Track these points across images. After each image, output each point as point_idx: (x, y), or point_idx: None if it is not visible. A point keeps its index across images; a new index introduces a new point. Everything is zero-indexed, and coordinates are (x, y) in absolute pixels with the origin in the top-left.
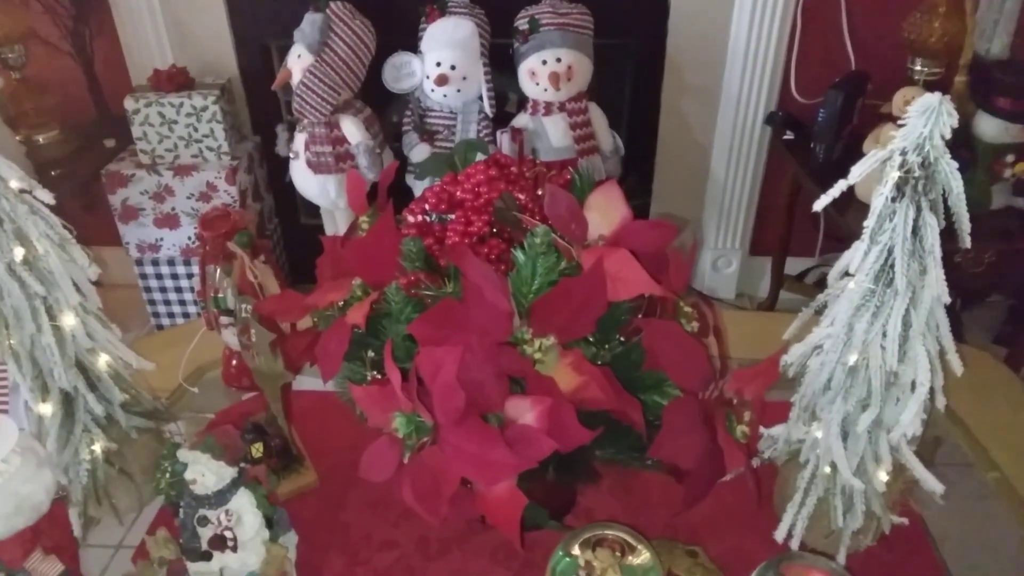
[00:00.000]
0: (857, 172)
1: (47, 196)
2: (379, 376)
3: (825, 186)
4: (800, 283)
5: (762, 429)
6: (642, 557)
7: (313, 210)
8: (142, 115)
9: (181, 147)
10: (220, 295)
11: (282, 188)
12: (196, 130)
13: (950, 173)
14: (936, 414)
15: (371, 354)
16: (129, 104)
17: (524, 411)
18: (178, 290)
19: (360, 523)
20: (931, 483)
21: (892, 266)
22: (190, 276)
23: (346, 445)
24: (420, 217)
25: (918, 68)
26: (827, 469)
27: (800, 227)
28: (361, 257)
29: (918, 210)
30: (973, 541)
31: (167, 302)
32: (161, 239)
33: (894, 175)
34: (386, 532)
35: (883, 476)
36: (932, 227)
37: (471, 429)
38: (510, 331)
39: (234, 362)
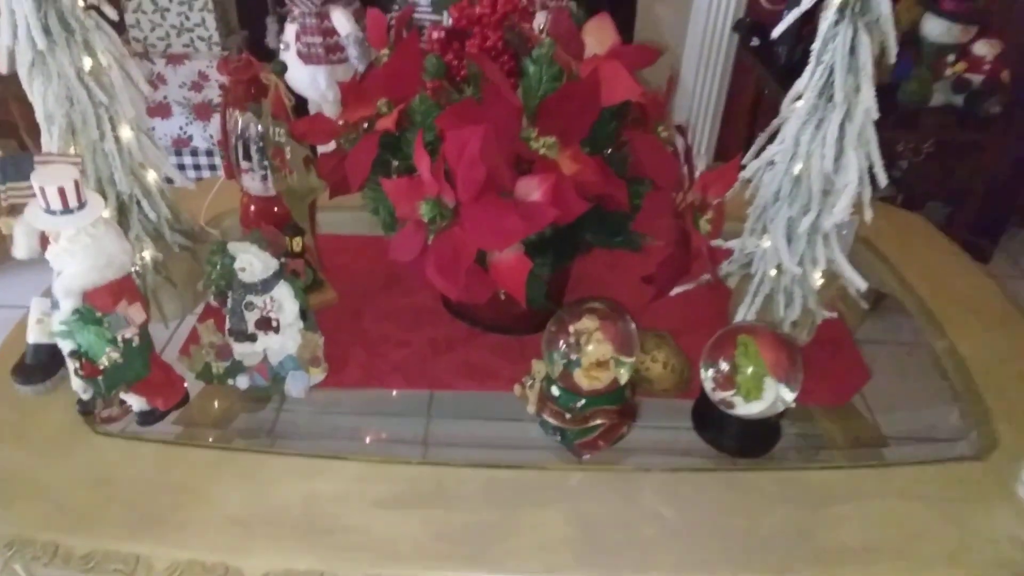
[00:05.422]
0: None
1: (111, 11)
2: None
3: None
4: None
5: (721, 241)
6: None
7: (301, 106)
8: (135, 1)
9: (173, 36)
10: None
11: None
12: (188, 19)
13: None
14: (874, 263)
15: (396, 163)
16: None
17: (532, 189)
18: (169, 181)
19: (377, 329)
20: (856, 280)
21: (832, 83)
22: (181, 168)
23: (361, 273)
24: (442, 33)
25: None
26: (772, 272)
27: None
28: (386, 76)
29: (855, 30)
30: (893, 349)
31: None
32: (152, 128)
33: (837, 0)
34: (400, 335)
35: (818, 276)
36: (865, 46)
37: (488, 203)
38: (520, 127)
39: (252, 208)
